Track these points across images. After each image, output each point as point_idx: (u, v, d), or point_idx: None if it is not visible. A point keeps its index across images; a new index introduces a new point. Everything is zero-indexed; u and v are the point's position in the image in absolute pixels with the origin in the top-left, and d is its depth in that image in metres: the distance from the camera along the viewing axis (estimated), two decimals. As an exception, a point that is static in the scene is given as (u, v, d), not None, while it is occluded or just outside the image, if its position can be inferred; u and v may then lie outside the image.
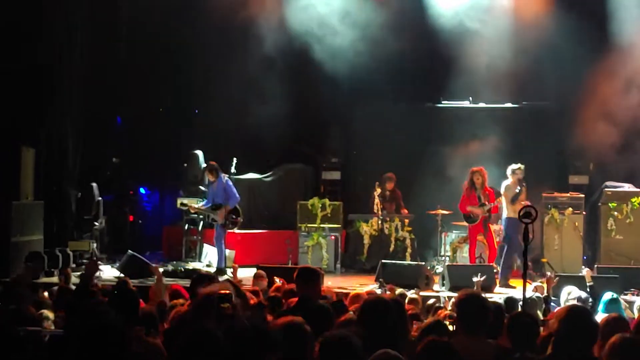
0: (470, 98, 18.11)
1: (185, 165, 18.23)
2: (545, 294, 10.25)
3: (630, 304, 10.70)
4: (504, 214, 14.60)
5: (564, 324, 5.19)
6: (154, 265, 10.10)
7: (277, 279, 10.90)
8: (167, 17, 17.61)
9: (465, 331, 5.74)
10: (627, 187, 16.37)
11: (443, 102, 18.38)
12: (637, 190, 16.17)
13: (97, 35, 17.06)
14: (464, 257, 15.74)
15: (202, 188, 17.63)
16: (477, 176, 14.97)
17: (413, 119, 18.10)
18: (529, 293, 10.18)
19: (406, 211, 16.50)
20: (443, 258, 15.76)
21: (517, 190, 14.40)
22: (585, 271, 11.91)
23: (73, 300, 7.53)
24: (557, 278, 11.99)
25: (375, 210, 15.84)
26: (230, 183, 15.69)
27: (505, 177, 14.73)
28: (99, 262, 14.20)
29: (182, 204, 16.17)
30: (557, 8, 16.82)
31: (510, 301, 9.00)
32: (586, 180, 16.85)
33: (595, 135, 16.61)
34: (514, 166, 14.58)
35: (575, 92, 16.91)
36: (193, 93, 19.02)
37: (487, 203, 14.94)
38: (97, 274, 11.71)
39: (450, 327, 6.74)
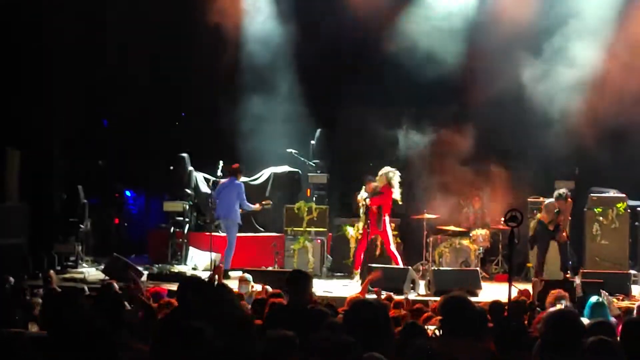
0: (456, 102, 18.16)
1: (172, 168, 18.17)
2: (532, 299, 10.27)
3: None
4: None
5: (551, 328, 5.19)
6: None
7: (256, 285, 10.97)
8: (154, 21, 17.56)
9: (450, 333, 5.74)
10: (613, 192, 16.42)
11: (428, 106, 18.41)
12: (622, 195, 16.21)
13: (84, 37, 17.01)
14: (449, 261, 15.77)
15: (188, 191, 17.61)
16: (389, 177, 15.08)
17: (400, 122, 18.11)
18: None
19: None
20: (429, 262, 15.77)
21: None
22: (577, 280, 11.93)
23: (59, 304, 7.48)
24: (542, 282, 12.05)
25: (360, 214, 15.91)
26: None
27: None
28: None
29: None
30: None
31: (496, 305, 8.99)
32: (572, 185, 16.86)
33: (581, 140, 16.72)
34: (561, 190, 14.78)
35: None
36: (180, 96, 18.96)
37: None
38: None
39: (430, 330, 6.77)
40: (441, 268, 15.29)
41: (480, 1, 17.48)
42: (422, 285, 14.17)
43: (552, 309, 7.90)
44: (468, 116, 17.47)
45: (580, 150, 16.85)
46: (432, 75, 17.00)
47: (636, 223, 16.24)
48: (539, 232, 14.77)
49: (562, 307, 9.35)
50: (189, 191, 17.65)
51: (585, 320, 7.11)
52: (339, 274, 16.23)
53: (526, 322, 8.50)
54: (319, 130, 18.30)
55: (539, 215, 14.94)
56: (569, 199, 14.81)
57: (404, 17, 17.52)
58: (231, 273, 14.94)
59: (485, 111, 17.10)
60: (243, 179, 17.51)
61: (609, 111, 16.23)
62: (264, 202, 16.04)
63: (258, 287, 10.90)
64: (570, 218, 15.24)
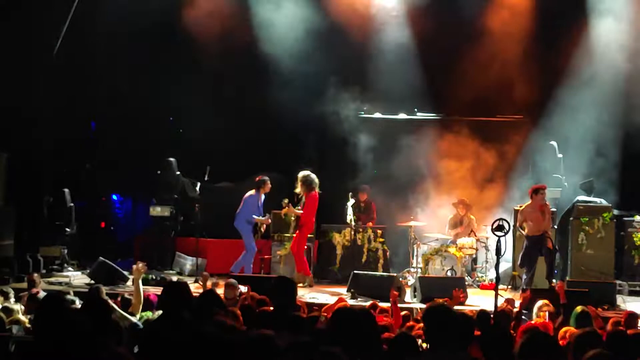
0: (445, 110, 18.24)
1: (159, 172, 18.12)
2: (518, 307, 10.26)
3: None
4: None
5: (524, 346, 5.25)
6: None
7: (242, 287, 10.95)
8: (139, 25, 17.50)
9: (434, 342, 5.74)
10: (599, 201, 16.47)
11: (418, 113, 18.46)
12: (609, 205, 16.26)
13: (74, 41, 16.97)
14: (435, 268, 15.76)
15: (175, 196, 17.57)
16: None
17: (388, 129, 18.15)
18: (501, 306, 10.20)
19: (371, 224, 16.59)
20: (415, 269, 15.77)
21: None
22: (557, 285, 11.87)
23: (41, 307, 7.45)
24: (529, 292, 12.04)
25: (348, 221, 15.89)
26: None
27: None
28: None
29: None
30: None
31: (483, 314, 8.99)
32: (558, 194, 16.92)
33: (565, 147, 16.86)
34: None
35: (545, 105, 17.18)
36: (168, 100, 18.92)
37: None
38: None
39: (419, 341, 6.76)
40: (427, 275, 15.29)
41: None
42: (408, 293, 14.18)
43: (528, 324, 7.94)
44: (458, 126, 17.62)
45: (566, 157, 16.99)
46: (424, 80, 17.16)
47: (622, 233, 16.28)
48: (529, 248, 14.67)
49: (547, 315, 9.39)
50: (176, 196, 17.62)
51: (571, 330, 7.14)
52: (325, 280, 16.21)
53: (512, 330, 8.50)
54: (308, 137, 18.31)
55: (524, 231, 14.78)
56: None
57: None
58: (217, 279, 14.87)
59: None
60: (230, 183, 17.51)
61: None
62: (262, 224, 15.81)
63: (243, 289, 10.89)
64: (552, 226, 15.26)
